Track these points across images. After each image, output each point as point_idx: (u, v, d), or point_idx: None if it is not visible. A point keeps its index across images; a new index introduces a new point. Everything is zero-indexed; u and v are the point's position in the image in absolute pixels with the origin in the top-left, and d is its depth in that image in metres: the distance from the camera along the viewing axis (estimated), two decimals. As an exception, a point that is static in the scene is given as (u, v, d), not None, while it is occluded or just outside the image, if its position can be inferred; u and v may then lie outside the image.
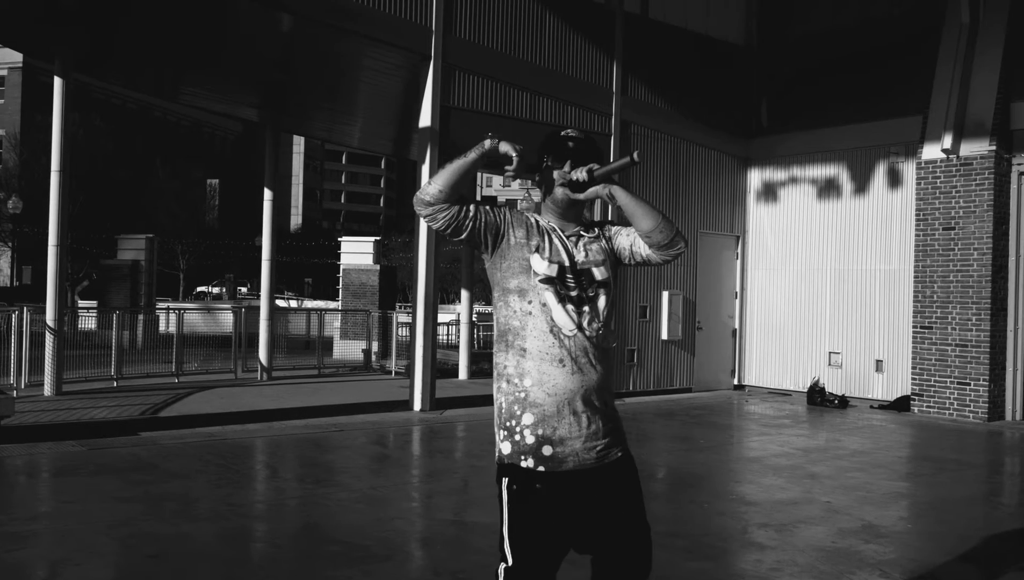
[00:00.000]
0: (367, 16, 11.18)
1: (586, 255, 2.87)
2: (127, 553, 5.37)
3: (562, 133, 2.93)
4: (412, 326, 12.25)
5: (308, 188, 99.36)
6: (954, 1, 13.11)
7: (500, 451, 2.81)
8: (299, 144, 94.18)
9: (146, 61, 13.89)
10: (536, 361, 2.74)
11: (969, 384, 12.46)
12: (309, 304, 40.14)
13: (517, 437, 2.74)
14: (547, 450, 2.71)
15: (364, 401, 12.08)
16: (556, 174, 2.87)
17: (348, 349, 19.60)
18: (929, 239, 12.98)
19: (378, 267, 22.12)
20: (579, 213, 2.94)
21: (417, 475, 8.42)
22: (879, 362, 14.00)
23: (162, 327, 16.29)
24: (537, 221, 2.89)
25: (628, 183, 14.24)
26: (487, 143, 2.73)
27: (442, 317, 23.38)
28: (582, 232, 2.92)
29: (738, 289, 16.04)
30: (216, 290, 53.77)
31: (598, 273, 2.86)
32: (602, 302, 2.84)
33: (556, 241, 2.85)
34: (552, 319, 2.76)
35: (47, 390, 11.34)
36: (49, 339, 11.38)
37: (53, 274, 11.60)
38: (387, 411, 11.67)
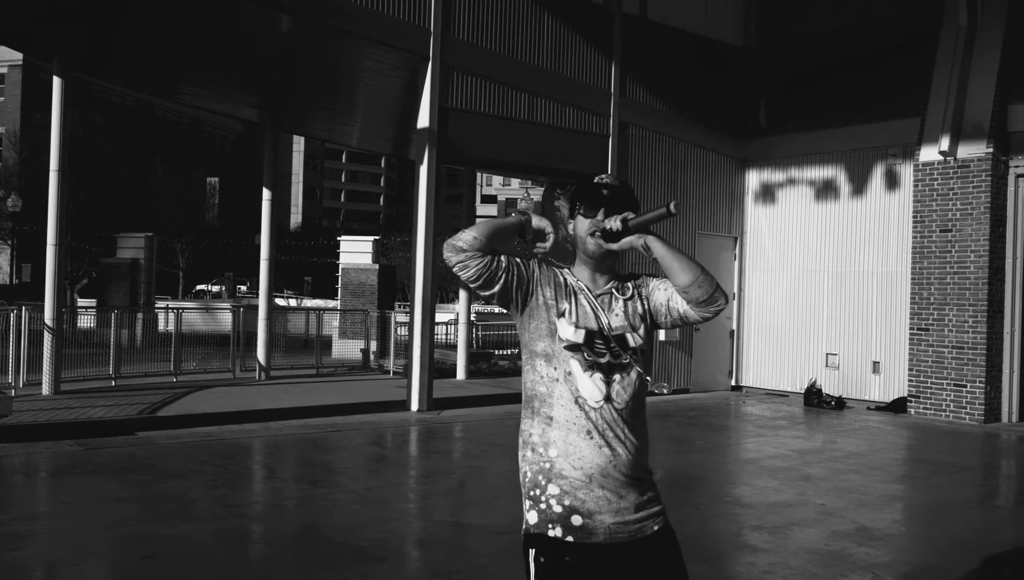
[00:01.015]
0: (365, 17, 11.20)
1: (619, 318, 2.67)
2: (123, 554, 5.40)
3: (596, 180, 2.74)
4: (410, 326, 12.28)
5: (308, 186, 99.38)
6: (952, 3, 13.14)
7: (526, 522, 2.62)
8: (299, 142, 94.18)
9: (146, 61, 13.92)
10: (562, 431, 2.57)
11: (966, 386, 12.49)
12: (308, 303, 40.18)
13: (543, 506, 2.56)
14: (576, 520, 2.54)
15: (361, 401, 12.10)
16: (588, 223, 2.68)
17: (346, 348, 19.63)
18: (926, 241, 13.00)
19: (377, 266, 22.15)
20: (612, 264, 2.75)
21: (414, 476, 8.44)
22: (876, 363, 14.02)
23: (161, 326, 16.32)
24: (566, 279, 2.70)
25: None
26: (525, 215, 2.63)
27: (441, 316, 23.38)
28: (615, 290, 2.73)
29: (735, 290, 16.07)
30: (215, 288, 53.82)
31: (632, 339, 2.66)
32: (634, 371, 2.63)
33: (585, 303, 2.67)
34: (577, 389, 2.58)
35: (45, 389, 11.37)
36: (47, 338, 11.41)
37: (51, 273, 11.62)
38: (384, 411, 11.69)
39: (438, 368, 14.57)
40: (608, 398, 2.57)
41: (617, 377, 2.59)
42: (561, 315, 2.63)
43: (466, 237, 2.54)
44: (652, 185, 14.70)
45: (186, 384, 13.17)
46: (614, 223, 2.62)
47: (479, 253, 2.54)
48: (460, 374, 15.78)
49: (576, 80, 13.71)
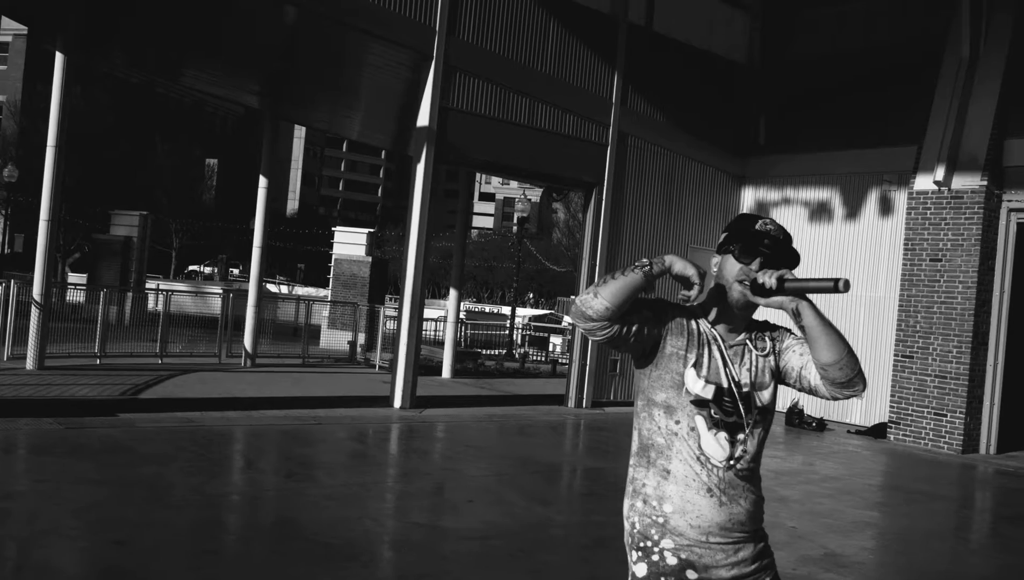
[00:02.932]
0: (371, 12, 11.22)
1: (751, 375, 2.49)
2: (93, 537, 5.41)
3: (759, 225, 2.48)
4: (398, 324, 12.30)
5: (307, 173, 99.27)
6: (955, 34, 13.21)
7: (634, 574, 2.47)
8: (300, 129, 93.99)
9: (148, 42, 13.92)
10: (680, 487, 2.42)
11: (946, 415, 12.56)
12: (300, 290, 40.17)
13: (656, 557, 2.43)
14: (691, 574, 2.41)
15: (345, 394, 12.14)
16: (739, 269, 2.45)
17: (335, 339, 19.67)
18: (916, 269, 13.07)
19: (370, 259, 22.18)
20: (749, 315, 2.54)
21: (391, 475, 8.47)
22: (859, 387, 14.08)
23: (151, 305, 16.33)
24: (699, 325, 2.50)
25: (622, 203, 14.31)
26: (655, 265, 2.33)
27: (431, 313, 23.43)
28: (749, 342, 2.53)
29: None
30: (208, 270, 53.75)
31: (761, 398, 2.48)
32: (759, 432, 2.48)
33: (717, 355, 2.47)
34: (700, 446, 2.42)
35: (29, 364, 11.37)
36: (35, 314, 11.40)
37: (43, 249, 11.61)
38: (367, 406, 11.72)
39: (424, 365, 14.60)
40: (731, 458, 2.43)
41: (741, 436, 2.44)
42: (691, 365, 2.45)
43: (596, 307, 2.31)
44: (648, 197, 14.74)
45: (171, 367, 13.18)
46: (769, 279, 2.36)
47: (607, 322, 2.33)
48: (446, 373, 15.81)
49: (578, 87, 13.75)
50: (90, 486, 6.54)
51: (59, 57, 11.61)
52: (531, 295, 59.25)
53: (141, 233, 22.57)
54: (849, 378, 2.41)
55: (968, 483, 10.93)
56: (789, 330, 2.59)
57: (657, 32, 14.98)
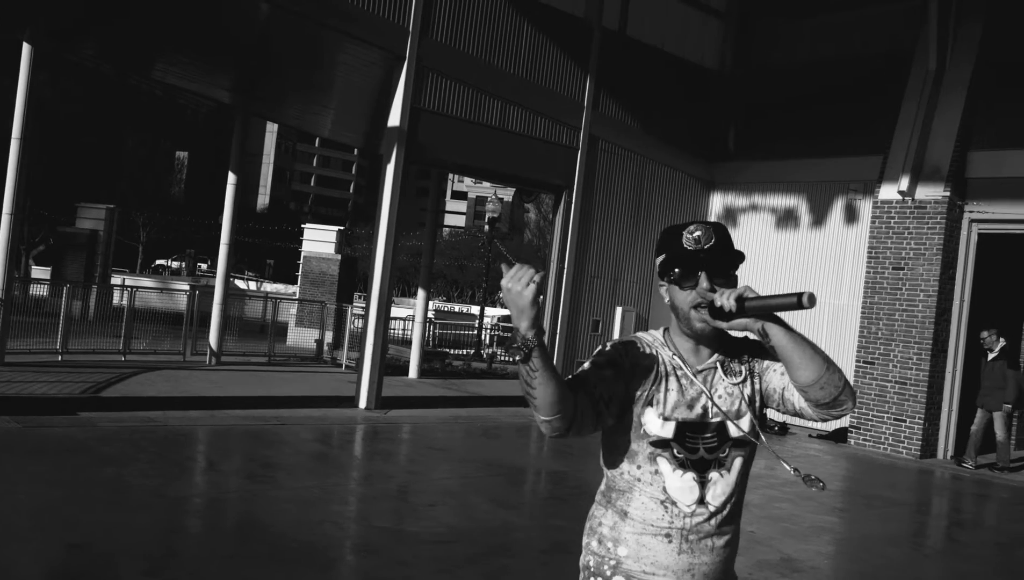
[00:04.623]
0: (345, 11, 11.18)
1: (723, 401, 2.22)
2: (49, 540, 5.36)
3: (685, 236, 2.19)
4: (364, 325, 12.28)
5: (278, 168, 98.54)
6: (922, 47, 13.41)
7: None
8: (273, 123, 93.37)
9: (118, 35, 13.76)
10: (636, 530, 2.20)
11: (905, 421, 12.76)
12: (268, 286, 39.91)
13: None
14: None
15: (310, 394, 12.10)
16: (690, 295, 2.18)
17: (302, 337, 19.56)
18: (879, 277, 13.26)
19: (339, 257, 22.09)
20: (719, 336, 2.26)
21: (354, 477, 8.46)
22: (822, 393, 14.27)
23: (116, 299, 16.16)
24: (659, 355, 2.23)
25: (591, 206, 14.36)
26: (520, 345, 1.96)
27: (399, 311, 23.38)
28: (720, 366, 2.25)
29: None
30: (176, 265, 53.25)
31: (735, 428, 2.21)
32: (736, 467, 2.22)
33: (678, 385, 2.20)
34: (665, 490, 2.18)
35: (-11, 360, 11.22)
36: (-5, 309, 11.25)
37: (4, 243, 11.46)
38: (332, 407, 11.68)
39: (391, 365, 14.58)
40: (701, 501, 2.18)
41: (714, 475, 2.19)
42: (648, 403, 2.19)
43: (546, 430, 2.07)
44: (617, 201, 14.82)
45: (134, 364, 13.05)
46: (728, 302, 2.10)
47: (566, 429, 2.07)
48: (412, 373, 15.79)
49: (550, 91, 13.79)
50: (47, 487, 6.48)
51: (26, 48, 11.47)
52: (500, 295, 59.21)
53: (107, 226, 22.34)
54: (833, 397, 2.15)
55: (926, 488, 11.11)
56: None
57: (630, 37, 15.07)
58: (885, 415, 12.96)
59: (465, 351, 22.57)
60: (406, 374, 15.72)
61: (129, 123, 51.90)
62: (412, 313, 19.85)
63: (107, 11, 12.41)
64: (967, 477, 11.66)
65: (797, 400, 2.20)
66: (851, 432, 13.30)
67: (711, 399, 2.20)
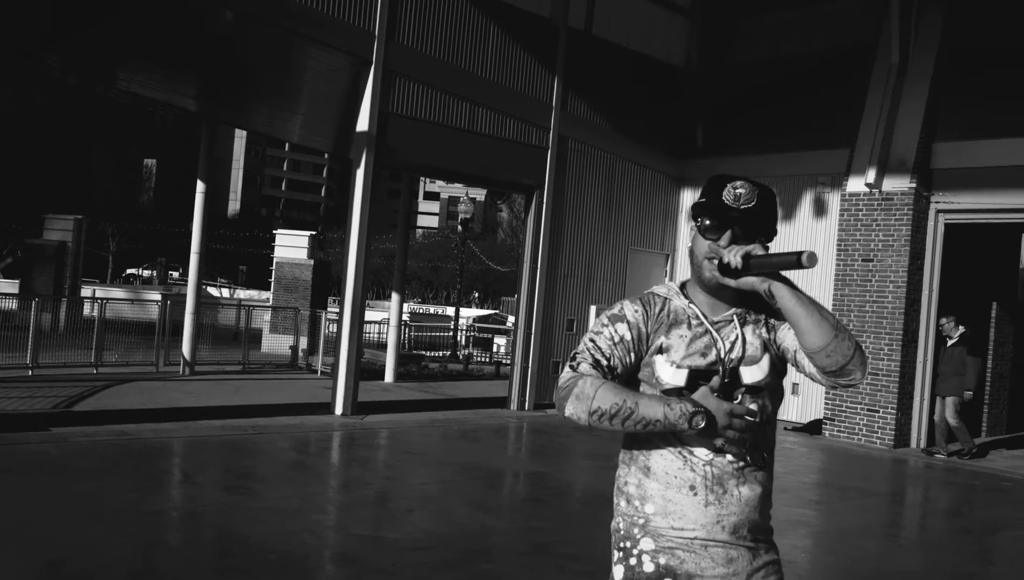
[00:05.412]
0: (310, 17, 11.14)
1: (737, 349, 2.20)
2: (26, 559, 5.31)
3: (727, 190, 2.20)
4: (338, 330, 12.24)
5: (248, 173, 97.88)
6: (885, 39, 13.57)
7: (612, 576, 2.27)
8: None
9: (83, 46, 13.61)
10: (661, 485, 2.19)
11: (878, 411, 12.91)
12: (242, 293, 39.65)
13: (633, 561, 2.21)
14: None
15: (286, 402, 12.05)
16: (708, 245, 2.20)
17: (277, 343, 19.47)
18: (848, 269, 13.40)
19: (312, 262, 21.99)
20: (735, 294, 2.24)
21: (332, 486, 8.44)
22: (795, 385, 14.40)
23: (86, 311, 15.98)
24: (669, 304, 2.25)
25: (563, 206, 14.40)
26: (684, 420, 2.06)
27: (374, 314, 23.35)
28: (736, 318, 2.24)
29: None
30: (147, 273, 52.74)
31: (749, 374, 2.20)
32: (755, 412, 2.19)
33: (691, 332, 2.21)
34: (680, 439, 2.17)
35: (-42, 377, 11.07)
36: (-37, 325, 11.11)
37: (-29, 258, 11.32)
38: (308, 414, 11.63)
39: (367, 369, 14.55)
40: (718, 449, 2.16)
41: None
42: (659, 352, 2.20)
43: (581, 425, 2.17)
44: (589, 199, 14.88)
45: (106, 377, 12.93)
46: (735, 258, 2.12)
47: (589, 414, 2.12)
48: (388, 377, 15.76)
49: (518, 92, 13.81)
50: (22, 504, 6.41)
51: (-14, 61, 11.33)
52: (476, 295, 59.33)
53: (76, 237, 22.09)
54: (840, 366, 2.09)
55: (900, 478, 11.25)
56: None
57: (596, 36, 15.12)
58: (859, 406, 13.10)
59: (441, 353, 22.56)
60: (382, 378, 15.69)
61: (96, 132, 51.33)
62: (387, 316, 19.81)
63: (74, 24, 12.29)
64: (939, 466, 11.82)
65: (807, 364, 2.17)
66: (826, 424, 13.44)
67: (728, 343, 2.20)
